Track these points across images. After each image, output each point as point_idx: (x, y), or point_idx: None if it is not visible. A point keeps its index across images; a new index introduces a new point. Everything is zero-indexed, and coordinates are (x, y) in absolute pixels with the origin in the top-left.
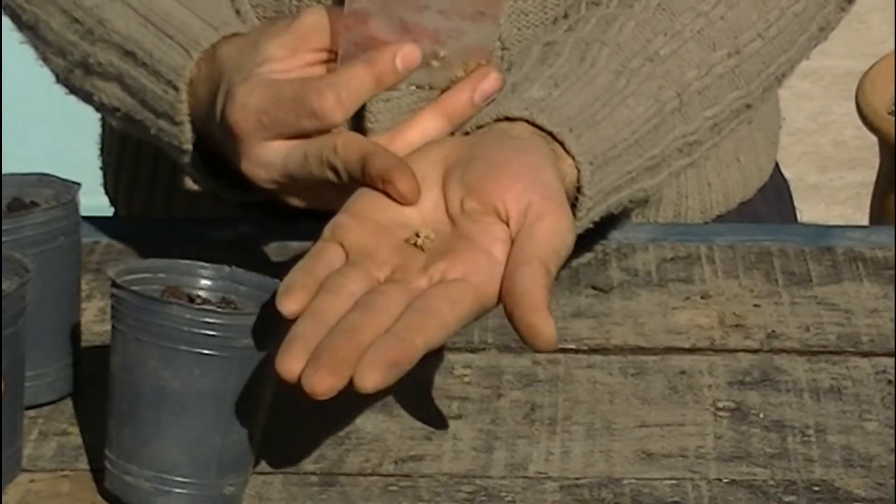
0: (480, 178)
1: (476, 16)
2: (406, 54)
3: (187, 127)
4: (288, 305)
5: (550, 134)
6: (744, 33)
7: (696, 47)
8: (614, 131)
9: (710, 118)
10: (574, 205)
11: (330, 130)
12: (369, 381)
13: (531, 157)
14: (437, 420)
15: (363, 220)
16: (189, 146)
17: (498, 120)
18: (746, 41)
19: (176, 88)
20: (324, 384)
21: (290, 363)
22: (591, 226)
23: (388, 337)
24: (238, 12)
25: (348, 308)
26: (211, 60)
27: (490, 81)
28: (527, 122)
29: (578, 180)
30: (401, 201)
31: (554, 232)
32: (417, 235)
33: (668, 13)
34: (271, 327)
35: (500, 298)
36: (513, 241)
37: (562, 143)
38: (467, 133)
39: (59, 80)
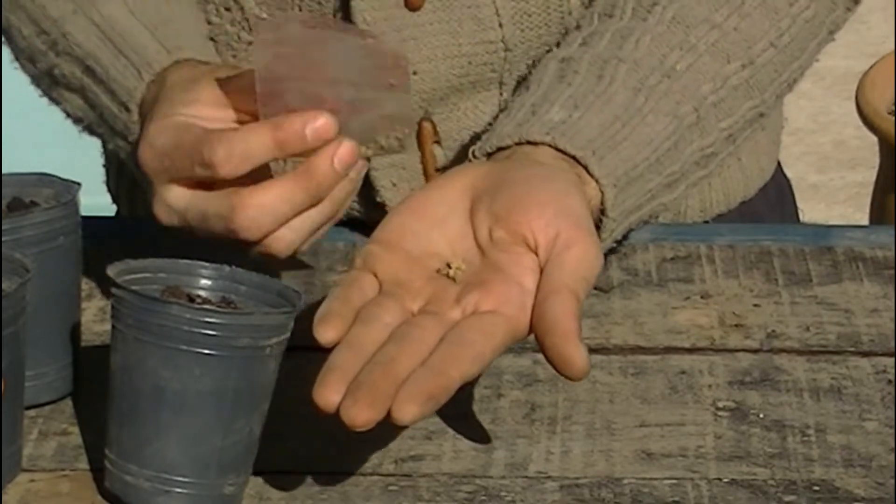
0: (508, 207)
1: (387, 86)
2: (319, 125)
3: (136, 115)
4: (325, 334)
5: (573, 157)
6: (757, 43)
7: (711, 60)
8: (635, 151)
9: (725, 129)
10: (597, 226)
11: (227, 181)
12: (407, 413)
13: (558, 185)
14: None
15: (394, 250)
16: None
17: (519, 143)
18: (759, 51)
19: (128, 110)
20: (362, 416)
21: (329, 394)
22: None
23: (424, 370)
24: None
25: (384, 339)
26: (161, 83)
27: (344, 148)
28: (549, 146)
29: (602, 202)
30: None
31: (582, 259)
32: (449, 266)
33: (683, 26)
34: (272, 327)
35: (532, 328)
36: (542, 270)
37: (585, 167)
38: (489, 154)
39: (33, 82)
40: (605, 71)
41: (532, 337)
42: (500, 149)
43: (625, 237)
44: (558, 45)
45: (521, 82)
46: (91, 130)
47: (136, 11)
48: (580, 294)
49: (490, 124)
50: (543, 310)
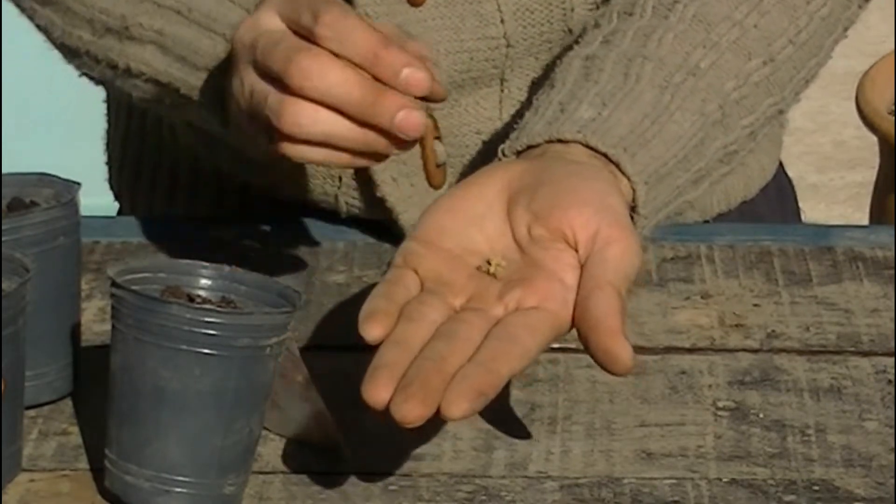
0: (548, 205)
1: None
2: (418, 76)
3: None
4: (371, 332)
5: (605, 155)
6: (776, 41)
7: (733, 58)
8: (665, 149)
9: (747, 127)
10: None
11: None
12: (457, 409)
13: (597, 183)
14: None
15: (434, 248)
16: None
17: (549, 141)
18: (779, 48)
19: (228, 41)
20: (414, 413)
21: (378, 391)
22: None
23: (473, 366)
24: None
25: (430, 336)
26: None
27: (414, 116)
28: (580, 143)
29: (634, 199)
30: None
31: (623, 256)
32: (489, 263)
33: (705, 24)
34: (272, 327)
35: (574, 324)
36: (582, 267)
37: (617, 165)
38: (519, 152)
39: (72, 56)
40: (631, 69)
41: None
42: (529, 147)
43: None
44: (577, 43)
45: (543, 81)
46: (154, 83)
47: None
48: (622, 290)
49: (506, 122)
50: (587, 306)
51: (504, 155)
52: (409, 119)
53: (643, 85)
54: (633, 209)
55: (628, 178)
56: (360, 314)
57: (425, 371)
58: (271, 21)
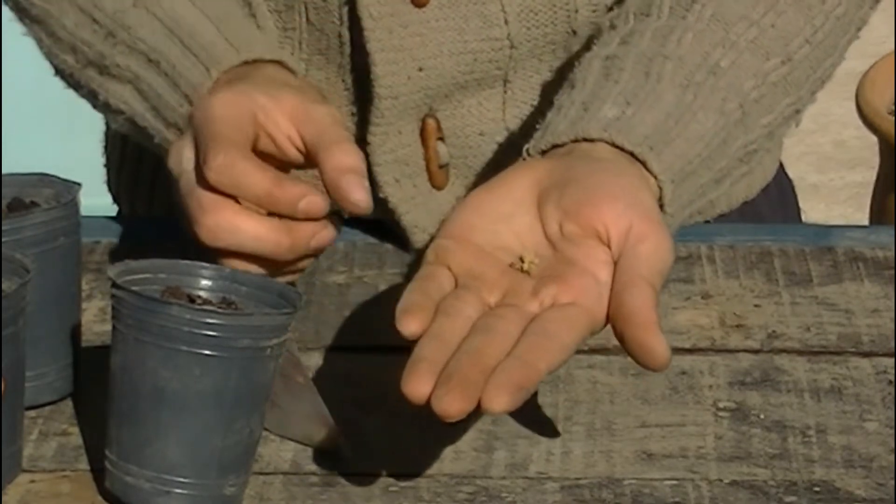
0: (579, 201)
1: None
2: (314, 201)
3: None
4: (409, 326)
5: (631, 153)
6: (793, 40)
7: (752, 57)
8: (688, 147)
9: (766, 126)
10: None
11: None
12: (498, 403)
13: (627, 179)
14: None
15: (465, 245)
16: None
17: (575, 141)
18: (796, 48)
19: (191, 103)
20: (455, 406)
21: (419, 386)
22: None
23: (512, 360)
24: (254, 17)
25: (466, 331)
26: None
27: (327, 232)
28: (606, 142)
29: (661, 198)
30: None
31: (656, 252)
32: (522, 260)
33: (723, 23)
34: (273, 328)
35: (609, 320)
36: (616, 264)
37: (644, 163)
38: (544, 152)
39: (59, 74)
40: (652, 68)
41: None
42: (554, 146)
43: None
44: (593, 44)
45: (547, 83)
46: (131, 122)
47: (198, 4)
48: (656, 286)
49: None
50: (621, 301)
51: (529, 154)
52: (312, 200)
53: (665, 84)
54: (660, 207)
55: (655, 177)
56: (396, 310)
57: (465, 365)
58: (189, 150)
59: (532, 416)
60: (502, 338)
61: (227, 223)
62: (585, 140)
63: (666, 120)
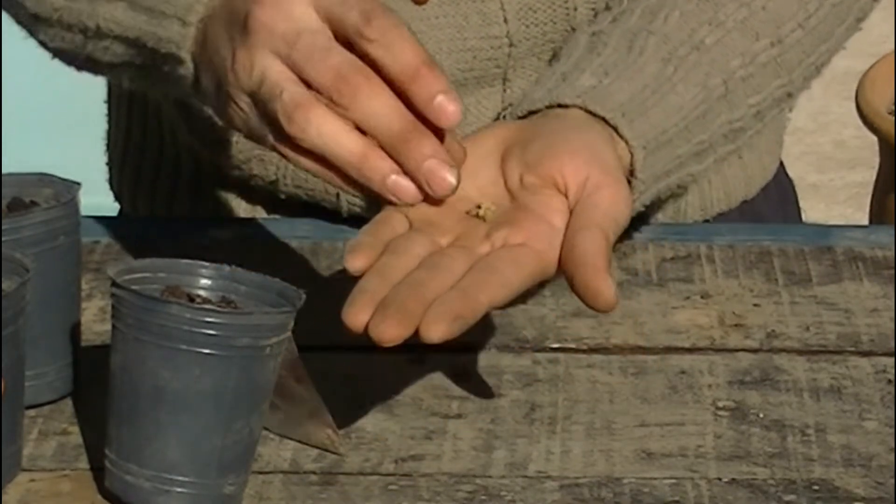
0: (539, 155)
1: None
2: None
3: (192, 30)
4: (354, 263)
5: (603, 119)
6: (785, 24)
7: (740, 37)
8: (665, 117)
9: (753, 105)
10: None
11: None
12: (435, 332)
13: (590, 135)
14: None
15: None
16: (188, 47)
17: (550, 107)
18: (788, 31)
19: (185, 24)
20: (391, 332)
21: (357, 315)
22: (643, 208)
23: (453, 292)
24: None
25: (413, 268)
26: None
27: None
28: (580, 108)
29: (632, 164)
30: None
31: (613, 201)
32: (479, 207)
33: (712, 4)
34: (272, 327)
35: (560, 265)
36: (571, 212)
37: (615, 129)
38: (521, 118)
39: (45, 25)
40: (635, 42)
41: (530, 334)
42: (530, 113)
43: (632, 228)
44: (574, 30)
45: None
46: (125, 41)
47: None
48: (609, 234)
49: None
50: (573, 245)
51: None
52: (400, 183)
53: (646, 57)
54: (631, 173)
55: (626, 143)
56: (345, 249)
57: (403, 295)
58: (306, 14)
59: (532, 415)
60: (446, 273)
61: (317, 119)
62: (560, 106)
63: (643, 90)
